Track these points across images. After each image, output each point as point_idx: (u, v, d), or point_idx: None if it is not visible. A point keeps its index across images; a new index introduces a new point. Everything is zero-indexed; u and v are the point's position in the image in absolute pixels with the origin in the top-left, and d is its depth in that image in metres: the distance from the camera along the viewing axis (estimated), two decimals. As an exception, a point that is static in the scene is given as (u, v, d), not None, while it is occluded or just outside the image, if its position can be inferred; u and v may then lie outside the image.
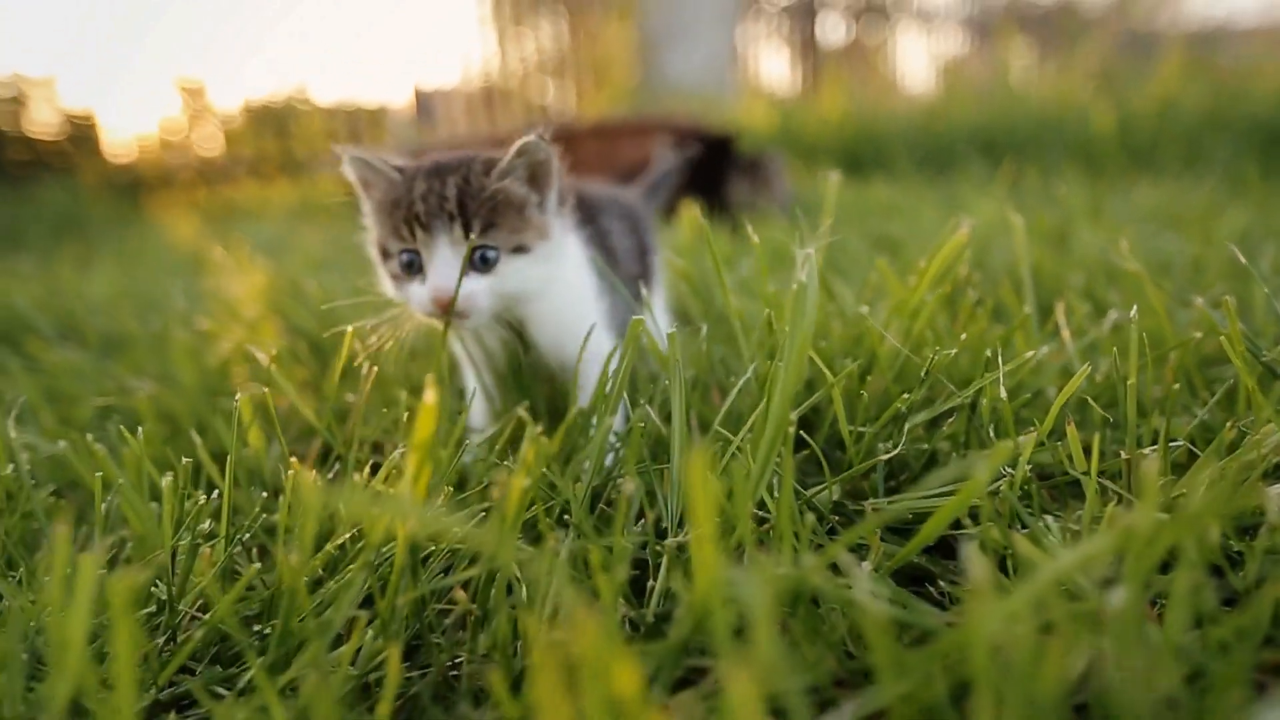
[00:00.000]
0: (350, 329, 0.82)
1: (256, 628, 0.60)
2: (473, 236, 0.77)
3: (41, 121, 6.24)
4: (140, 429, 0.76)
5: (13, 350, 1.41)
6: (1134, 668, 0.40)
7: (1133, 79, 3.63)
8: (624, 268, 0.99)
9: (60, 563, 0.46)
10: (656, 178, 1.29)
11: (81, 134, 6.52)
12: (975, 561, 0.40)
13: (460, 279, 0.77)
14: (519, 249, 0.80)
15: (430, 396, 0.51)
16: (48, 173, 5.93)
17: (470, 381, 0.94)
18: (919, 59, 8.26)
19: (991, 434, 0.73)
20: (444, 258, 0.78)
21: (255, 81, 8.43)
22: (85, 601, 0.41)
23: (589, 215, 0.94)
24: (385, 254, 0.82)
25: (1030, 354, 0.77)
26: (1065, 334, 0.90)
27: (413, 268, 0.80)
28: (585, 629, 0.34)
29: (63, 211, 4.76)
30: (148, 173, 6.78)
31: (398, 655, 0.48)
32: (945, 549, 0.65)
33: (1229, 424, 0.64)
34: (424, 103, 7.57)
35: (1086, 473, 0.63)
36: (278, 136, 7.25)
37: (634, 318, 0.72)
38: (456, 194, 0.77)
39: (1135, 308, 0.70)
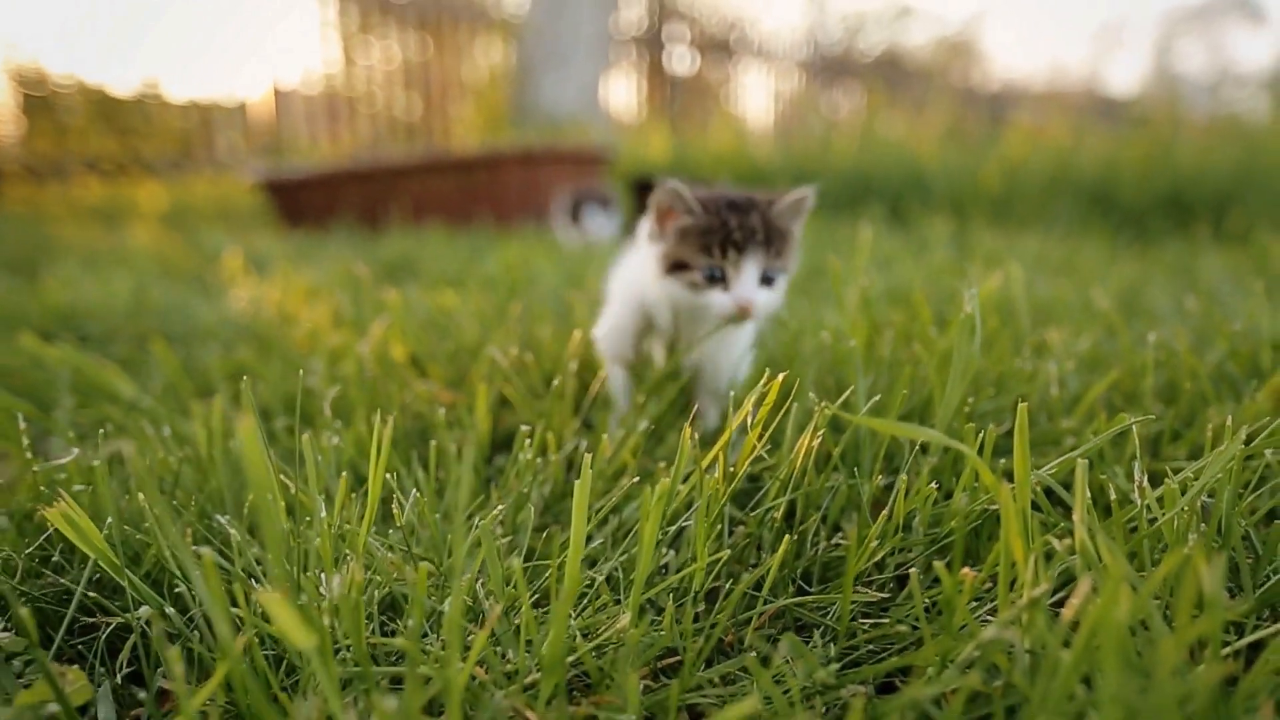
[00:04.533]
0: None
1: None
2: (772, 259, 1.03)
3: None
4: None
5: (137, 348, 1.48)
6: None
7: (983, 139, 4.30)
8: None
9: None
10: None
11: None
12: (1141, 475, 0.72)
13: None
14: (784, 271, 1.07)
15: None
16: None
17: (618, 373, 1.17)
18: (759, 95, 9.02)
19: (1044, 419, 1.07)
20: (750, 274, 1.02)
21: (101, 72, 7.89)
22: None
23: None
24: (681, 266, 1.05)
25: (1069, 361, 1.12)
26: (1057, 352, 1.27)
27: (713, 279, 1.03)
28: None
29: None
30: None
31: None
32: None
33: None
34: (283, 103, 7.44)
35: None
36: (122, 133, 6.90)
37: None
38: (764, 226, 1.02)
39: (1154, 335, 1.05)
